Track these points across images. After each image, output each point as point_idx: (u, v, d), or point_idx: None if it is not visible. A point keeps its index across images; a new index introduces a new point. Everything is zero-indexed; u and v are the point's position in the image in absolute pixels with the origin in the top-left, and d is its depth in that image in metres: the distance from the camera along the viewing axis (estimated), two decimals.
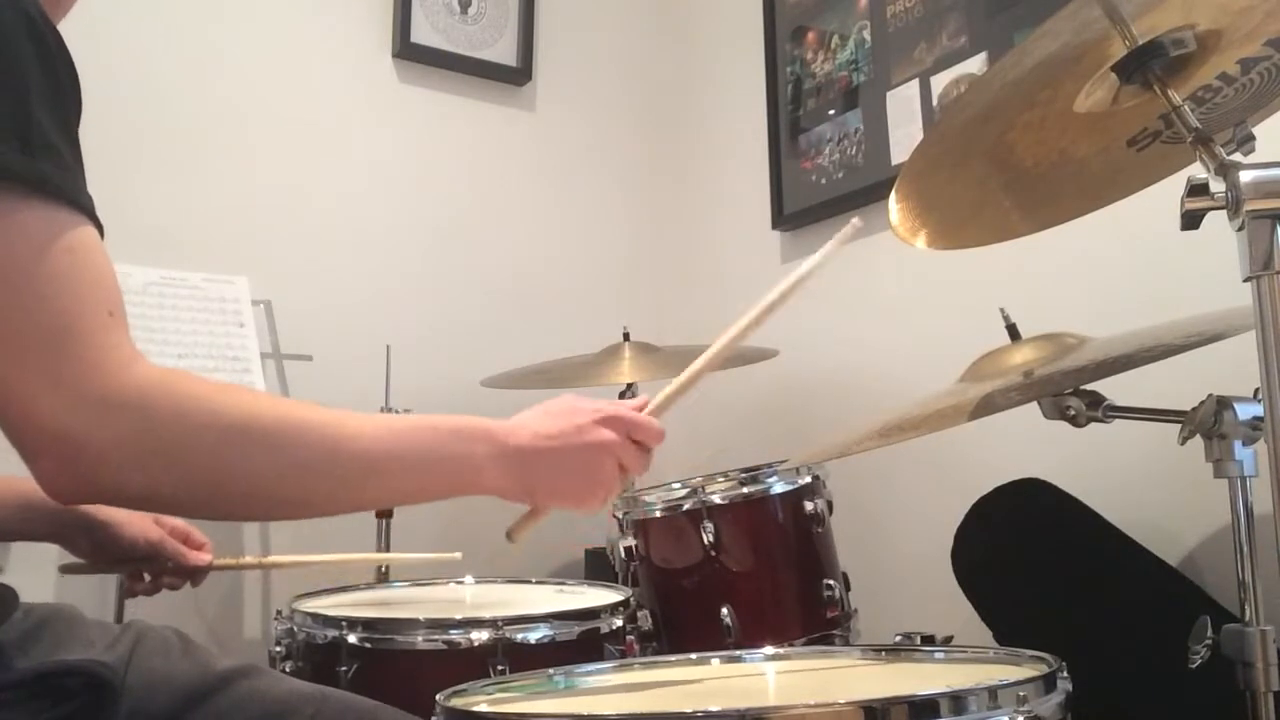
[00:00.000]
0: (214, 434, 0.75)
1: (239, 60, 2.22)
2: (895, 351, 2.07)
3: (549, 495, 0.94)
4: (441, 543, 1.75)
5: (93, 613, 0.99)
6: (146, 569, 1.27)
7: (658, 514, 1.59)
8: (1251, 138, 0.90)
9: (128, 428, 0.71)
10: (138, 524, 1.22)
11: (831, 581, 1.55)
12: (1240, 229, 0.82)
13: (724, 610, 1.50)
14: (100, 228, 0.76)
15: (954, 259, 1.76)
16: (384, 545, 1.96)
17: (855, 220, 1.04)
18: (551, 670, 1.05)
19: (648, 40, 2.79)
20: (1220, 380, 1.03)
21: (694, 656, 1.10)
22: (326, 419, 0.81)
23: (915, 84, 2.07)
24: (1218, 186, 0.85)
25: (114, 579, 1.67)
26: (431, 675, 1.04)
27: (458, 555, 1.58)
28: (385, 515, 1.96)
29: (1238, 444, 0.98)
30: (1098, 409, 1.20)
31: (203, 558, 1.28)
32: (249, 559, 1.47)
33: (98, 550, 1.22)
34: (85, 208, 0.74)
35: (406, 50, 2.40)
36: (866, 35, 2.20)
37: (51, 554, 1.26)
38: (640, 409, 1.00)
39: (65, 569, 1.28)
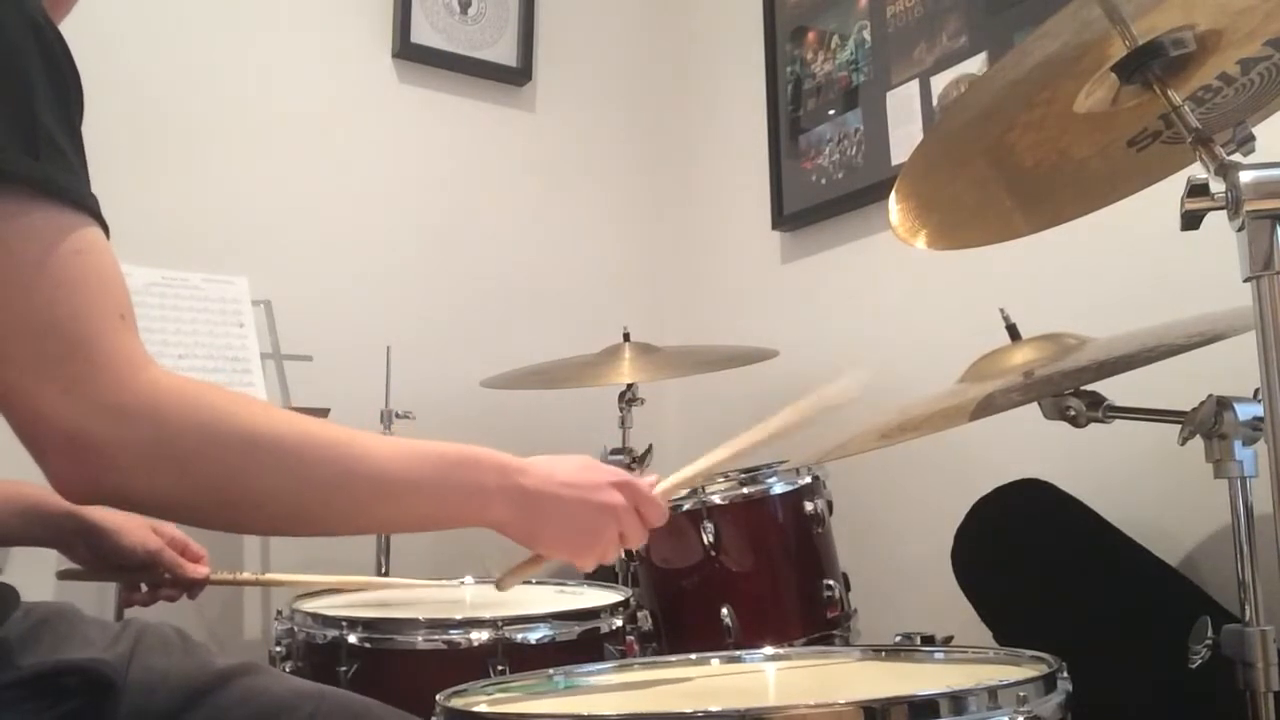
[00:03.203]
0: (225, 445, 0.75)
1: (239, 60, 2.22)
2: (895, 351, 2.07)
3: (548, 541, 0.94)
4: (439, 559, 1.76)
5: (92, 612, 0.99)
6: (144, 579, 1.27)
7: None
8: (1251, 138, 0.90)
9: (139, 433, 0.71)
10: (136, 532, 1.22)
11: (831, 581, 1.56)
12: (1240, 229, 0.82)
13: (724, 610, 1.51)
14: (106, 229, 0.75)
15: (954, 259, 1.76)
16: (383, 556, 1.96)
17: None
18: (551, 670, 1.05)
19: (648, 40, 2.79)
20: (1220, 380, 1.03)
21: (694, 656, 1.10)
22: (341, 437, 0.81)
23: (915, 84, 2.07)
24: (1218, 186, 0.85)
25: None
26: (431, 675, 1.05)
27: (459, 584, 1.59)
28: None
29: (1238, 444, 0.98)
30: (1098, 409, 1.20)
31: (200, 570, 1.29)
32: (246, 575, 1.47)
33: (96, 557, 1.21)
34: (92, 209, 0.74)
35: (406, 50, 2.40)
36: (866, 35, 2.21)
37: (51, 557, 1.26)
38: (650, 486, 1.00)
39: (63, 575, 1.28)
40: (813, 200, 2.30)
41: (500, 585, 1.03)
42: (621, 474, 0.97)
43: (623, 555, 1.67)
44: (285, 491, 0.78)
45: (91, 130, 0.77)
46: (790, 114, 2.39)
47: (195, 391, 0.75)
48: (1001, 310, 1.37)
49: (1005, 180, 1.16)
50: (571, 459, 0.96)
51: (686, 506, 1.56)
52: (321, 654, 1.29)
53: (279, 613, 1.43)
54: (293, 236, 2.23)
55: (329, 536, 0.85)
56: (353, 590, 1.54)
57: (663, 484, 1.03)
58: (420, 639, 1.25)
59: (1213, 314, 1.20)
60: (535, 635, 1.25)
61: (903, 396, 1.39)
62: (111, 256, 0.74)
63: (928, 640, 1.17)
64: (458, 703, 0.88)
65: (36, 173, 0.70)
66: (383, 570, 1.95)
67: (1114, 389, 1.18)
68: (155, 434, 0.72)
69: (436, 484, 0.86)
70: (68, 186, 0.72)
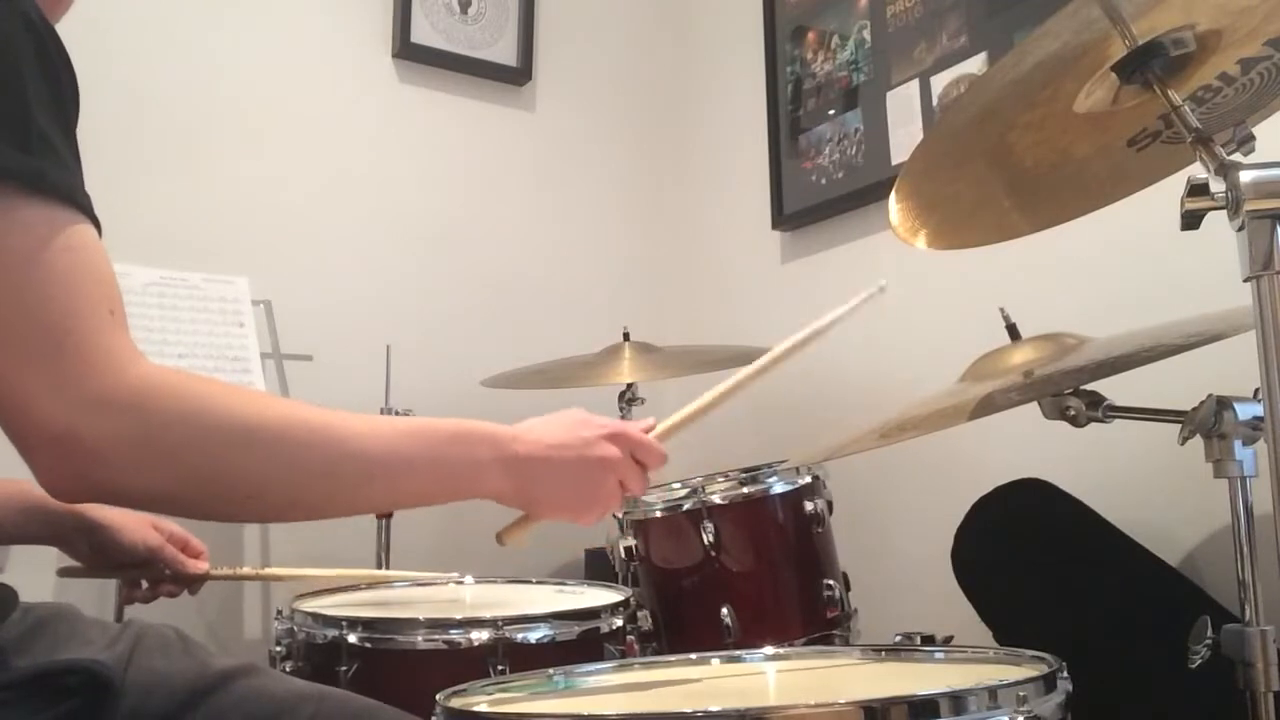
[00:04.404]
0: (216, 435, 0.75)
1: (239, 60, 2.22)
2: (895, 351, 2.07)
3: (548, 504, 0.94)
4: (439, 553, 1.76)
5: (92, 613, 0.98)
6: (144, 576, 1.27)
7: (658, 514, 1.59)
8: (1251, 138, 0.90)
9: (127, 428, 0.71)
10: (137, 529, 1.23)
11: (831, 581, 1.55)
12: (1240, 229, 0.82)
13: (724, 610, 1.50)
14: (99, 226, 0.75)
15: (954, 259, 1.76)
16: (384, 548, 1.96)
17: (882, 283, 1.05)
18: (551, 670, 1.04)
19: (648, 40, 2.78)
20: (1220, 380, 1.03)
21: (694, 656, 1.10)
22: (329, 420, 0.81)
23: (915, 84, 2.07)
24: (1218, 186, 0.85)
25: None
26: (431, 675, 1.04)
27: (457, 575, 1.59)
28: (385, 516, 1.96)
29: (1238, 444, 0.98)
30: (1098, 409, 1.20)
31: (200, 566, 1.29)
32: (247, 569, 1.47)
33: (96, 554, 1.22)
34: (84, 206, 0.74)
35: (406, 50, 2.39)
36: (866, 35, 2.21)
37: (51, 555, 1.27)
38: (646, 431, 1.00)
39: (64, 572, 1.28)
40: (813, 200, 2.30)
41: (501, 539, 1.02)
42: (613, 424, 0.97)
43: (623, 555, 1.67)
44: (278, 479, 0.78)
45: (91, 130, 0.77)
46: (790, 114, 2.39)
47: (183, 384, 0.75)
48: (1001, 310, 1.37)
49: (1005, 180, 1.16)
50: (562, 417, 0.96)
51: (686, 506, 1.56)
52: (321, 653, 1.29)
53: (279, 612, 1.43)
54: (293, 236, 2.23)
55: (327, 519, 0.84)
56: (353, 587, 1.54)
57: (660, 426, 1.02)
58: (420, 639, 1.25)
59: (1212, 314, 1.20)
60: (535, 635, 1.25)
61: (903, 396, 1.39)
62: (103, 254, 0.74)
63: (928, 640, 1.17)
64: (458, 703, 0.88)
65: (29, 169, 0.70)
66: (383, 563, 1.96)
67: (1114, 389, 1.18)
68: (143, 428, 0.72)
69: (430, 461, 0.86)
70: (60, 183, 0.72)
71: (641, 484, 0.98)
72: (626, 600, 1.39)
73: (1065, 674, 0.82)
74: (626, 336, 2.03)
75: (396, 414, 1.98)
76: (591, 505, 0.95)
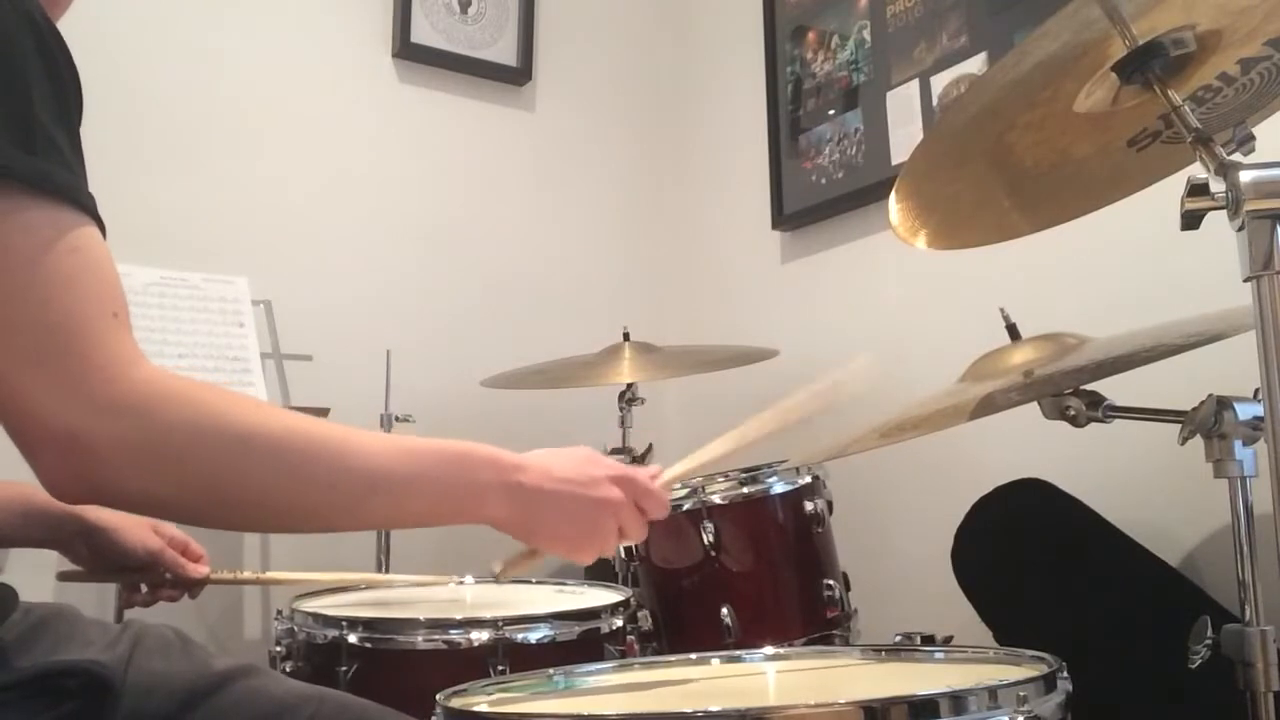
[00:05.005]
0: (217, 441, 0.74)
1: (239, 60, 2.22)
2: (895, 351, 2.07)
3: (546, 536, 0.94)
4: (440, 558, 1.76)
5: (92, 613, 0.98)
6: (144, 579, 1.27)
7: None
8: (1251, 138, 0.90)
9: (129, 431, 0.71)
10: (137, 532, 1.22)
11: (831, 581, 1.56)
12: (1240, 229, 0.82)
13: (724, 610, 1.51)
14: (103, 227, 0.75)
15: (954, 259, 1.76)
16: (383, 554, 1.96)
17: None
18: (551, 670, 1.05)
19: (648, 40, 2.78)
20: (1220, 380, 1.03)
21: (694, 656, 1.10)
22: (333, 434, 0.80)
23: (915, 84, 2.07)
24: (1218, 186, 0.85)
25: None
26: (431, 675, 1.05)
27: (457, 578, 1.59)
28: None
29: (1238, 444, 0.98)
30: (1098, 409, 1.20)
31: (200, 570, 1.29)
32: (247, 573, 1.47)
33: (96, 557, 1.21)
34: (88, 207, 0.74)
35: (406, 50, 2.40)
36: (866, 35, 2.20)
37: (51, 558, 1.26)
38: (652, 478, 1.00)
39: (64, 576, 1.28)
40: (813, 200, 2.30)
41: (499, 576, 1.03)
42: (621, 468, 0.97)
43: (623, 555, 1.67)
44: (279, 489, 0.78)
45: (91, 130, 0.77)
46: (790, 114, 2.39)
47: (187, 389, 0.75)
48: (1001, 310, 1.37)
49: (1005, 180, 1.16)
50: (570, 453, 0.96)
51: (686, 506, 1.56)
52: (321, 654, 1.29)
53: (279, 612, 1.43)
54: (293, 236, 2.23)
55: (326, 533, 0.84)
56: (353, 588, 1.54)
57: (665, 475, 1.02)
58: (420, 639, 1.25)
59: (1212, 314, 1.20)
60: (535, 635, 1.25)
61: (903, 396, 1.39)
62: (107, 254, 0.74)
63: (928, 640, 1.17)
64: (458, 703, 0.88)
65: (33, 170, 0.70)
66: (383, 568, 1.96)
67: (1114, 389, 1.18)
68: (146, 431, 0.71)
69: (432, 481, 0.86)
70: (64, 184, 0.72)
71: (641, 531, 0.98)
72: (626, 600, 1.40)
73: (1065, 674, 0.82)
74: (626, 336, 2.03)
75: (396, 417, 1.98)
76: (588, 544, 0.95)
